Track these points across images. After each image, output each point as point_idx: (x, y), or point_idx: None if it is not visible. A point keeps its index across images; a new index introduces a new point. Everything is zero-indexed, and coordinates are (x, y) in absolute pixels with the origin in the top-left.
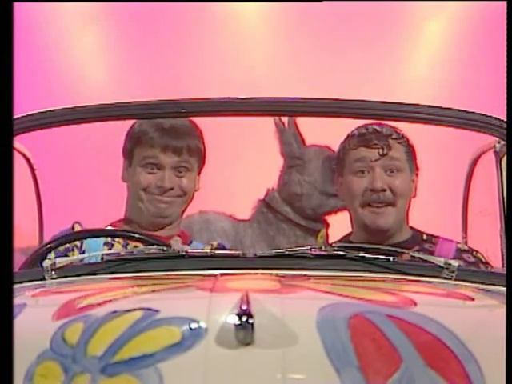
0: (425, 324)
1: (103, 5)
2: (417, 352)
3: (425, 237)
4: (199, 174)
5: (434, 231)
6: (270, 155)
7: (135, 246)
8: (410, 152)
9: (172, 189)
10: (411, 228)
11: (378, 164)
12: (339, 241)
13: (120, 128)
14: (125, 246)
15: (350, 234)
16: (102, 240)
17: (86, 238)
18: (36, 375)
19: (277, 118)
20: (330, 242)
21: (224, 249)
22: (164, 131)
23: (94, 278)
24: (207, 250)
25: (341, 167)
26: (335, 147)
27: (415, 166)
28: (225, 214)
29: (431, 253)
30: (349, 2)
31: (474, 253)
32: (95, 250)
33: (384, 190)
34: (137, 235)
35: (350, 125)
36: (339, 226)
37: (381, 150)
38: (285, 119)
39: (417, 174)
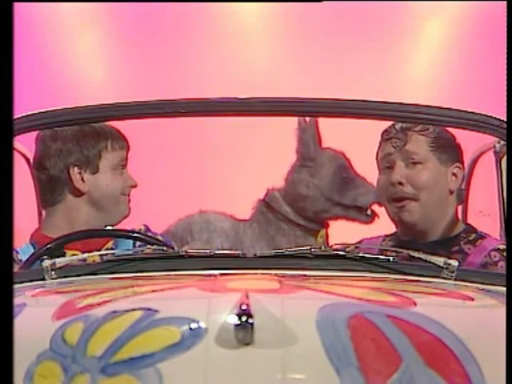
0: (425, 324)
1: (103, 5)
2: (417, 352)
3: (472, 236)
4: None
5: None
6: (271, 155)
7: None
8: (440, 143)
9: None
10: (467, 225)
11: (398, 157)
12: (387, 236)
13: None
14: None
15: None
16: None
17: (85, 238)
18: (36, 375)
19: (301, 117)
20: (356, 241)
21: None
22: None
23: (94, 278)
24: (207, 250)
25: (378, 168)
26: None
27: (452, 157)
28: (225, 213)
29: (468, 254)
30: (349, 2)
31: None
32: None
33: (401, 184)
34: (137, 235)
35: (351, 125)
36: (339, 226)
37: (395, 144)
38: (307, 119)
39: (459, 167)
